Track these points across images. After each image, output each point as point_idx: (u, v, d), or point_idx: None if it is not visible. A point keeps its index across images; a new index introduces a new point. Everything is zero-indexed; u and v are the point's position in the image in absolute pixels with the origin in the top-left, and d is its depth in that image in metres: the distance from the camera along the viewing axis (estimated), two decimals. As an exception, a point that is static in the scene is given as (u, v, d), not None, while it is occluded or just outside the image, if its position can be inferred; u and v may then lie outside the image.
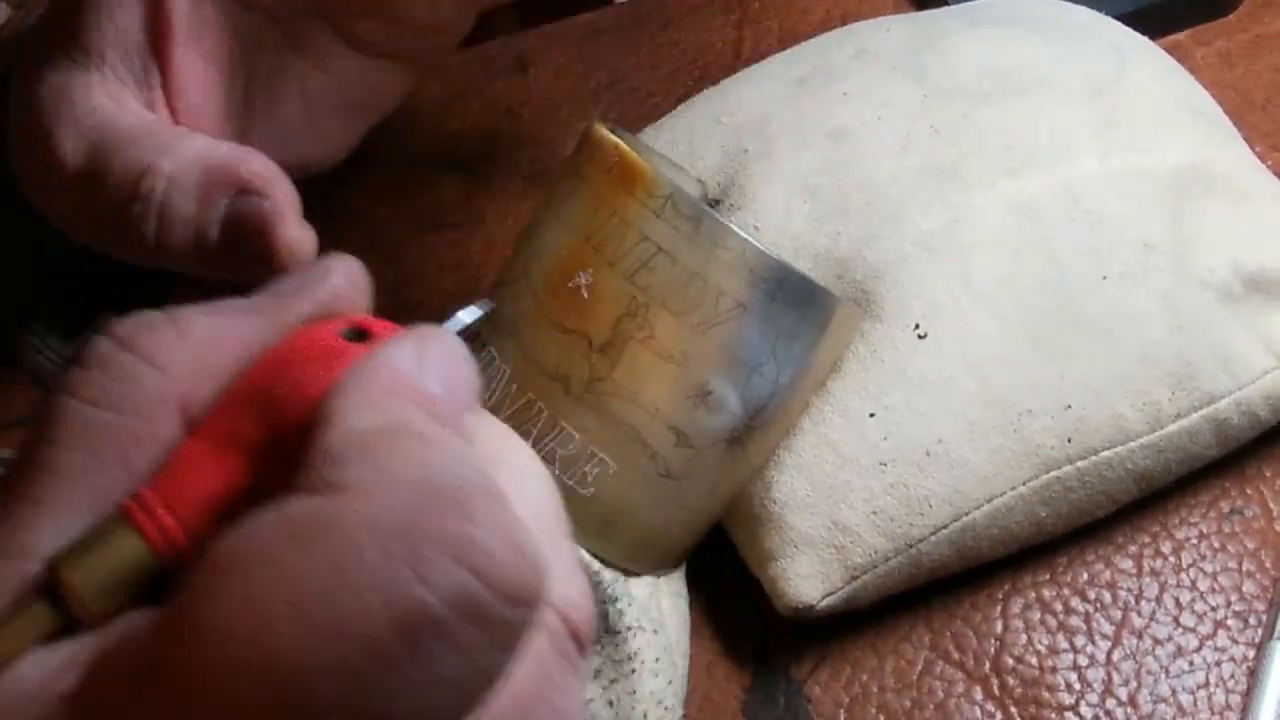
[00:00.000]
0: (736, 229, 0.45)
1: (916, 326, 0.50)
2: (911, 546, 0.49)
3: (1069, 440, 0.49)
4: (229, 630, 0.25)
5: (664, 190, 0.45)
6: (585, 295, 0.45)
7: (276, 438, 0.30)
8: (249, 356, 0.32)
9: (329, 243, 0.53)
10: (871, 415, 0.49)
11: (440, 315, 0.50)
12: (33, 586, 0.29)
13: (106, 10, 0.48)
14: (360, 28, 0.52)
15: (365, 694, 0.25)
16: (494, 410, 0.47)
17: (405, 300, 0.52)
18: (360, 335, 0.32)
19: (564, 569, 0.31)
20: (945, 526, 0.49)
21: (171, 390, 0.31)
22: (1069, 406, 0.49)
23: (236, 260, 0.43)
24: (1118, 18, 0.60)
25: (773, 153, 0.54)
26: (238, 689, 0.25)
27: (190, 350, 0.31)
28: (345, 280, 0.34)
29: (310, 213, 0.49)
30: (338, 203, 0.55)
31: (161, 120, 0.48)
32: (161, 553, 0.29)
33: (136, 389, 0.31)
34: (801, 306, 0.46)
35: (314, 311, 0.33)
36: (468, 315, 0.38)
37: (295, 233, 0.43)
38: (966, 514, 0.49)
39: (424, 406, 0.29)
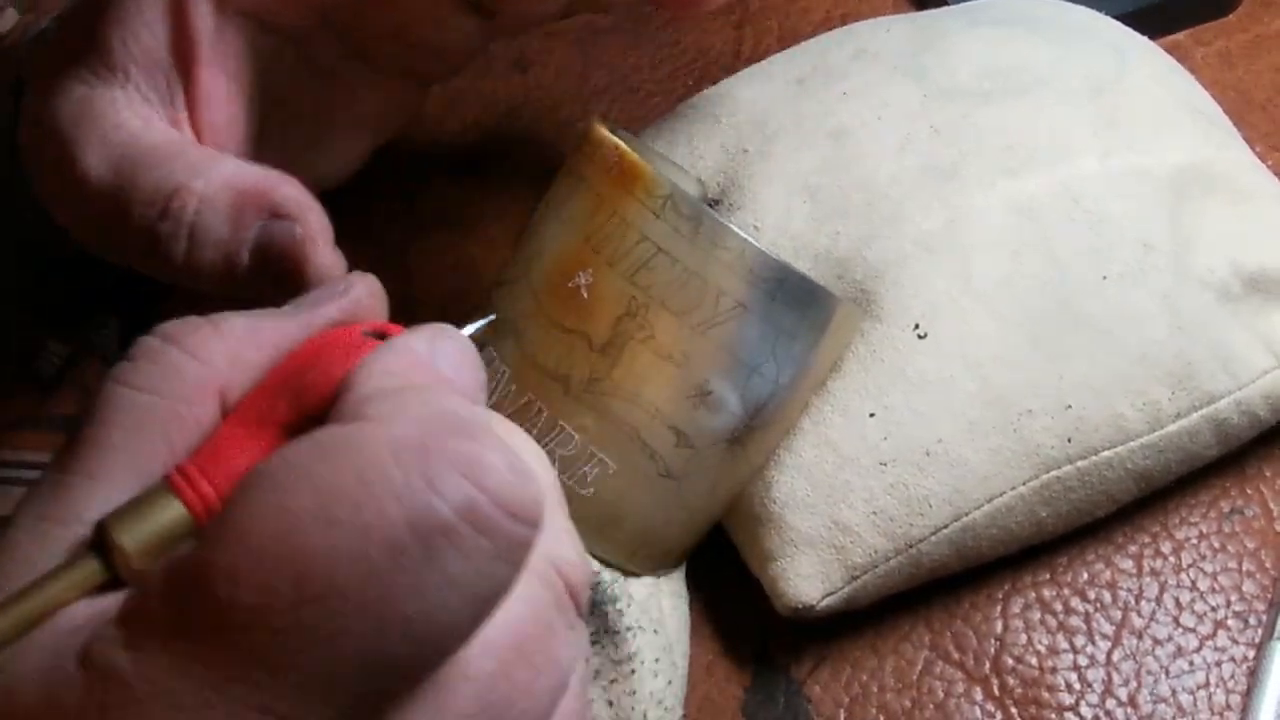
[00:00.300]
0: (736, 229, 0.44)
1: (916, 326, 0.50)
2: (911, 546, 0.49)
3: (1069, 440, 0.49)
4: (262, 531, 0.29)
5: (664, 190, 0.45)
6: (585, 295, 0.45)
7: (305, 419, 0.34)
8: (281, 353, 0.36)
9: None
10: (871, 415, 0.49)
11: (441, 315, 0.50)
12: (84, 544, 0.32)
13: (130, 28, 0.48)
14: (376, 48, 0.53)
15: (384, 590, 0.28)
16: (494, 410, 0.47)
17: (406, 300, 0.52)
18: (381, 336, 0.36)
19: (559, 532, 0.34)
20: (945, 526, 0.49)
21: (210, 379, 0.35)
22: (1069, 406, 0.49)
23: (265, 283, 0.45)
24: (1118, 18, 0.60)
25: (772, 153, 0.54)
26: (270, 584, 0.28)
27: (228, 345, 0.35)
28: (366, 292, 0.39)
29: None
30: (338, 203, 0.55)
31: (189, 140, 0.48)
32: (200, 518, 0.33)
33: (179, 377, 0.35)
34: (801, 306, 0.46)
35: (339, 318, 0.37)
36: (471, 327, 0.39)
37: (327, 259, 0.44)
38: (966, 514, 0.49)
39: (437, 382, 0.34)
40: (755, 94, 0.57)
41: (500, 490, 0.29)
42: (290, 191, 0.45)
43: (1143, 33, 0.60)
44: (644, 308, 0.45)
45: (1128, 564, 0.53)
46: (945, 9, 0.60)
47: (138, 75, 0.48)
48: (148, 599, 0.30)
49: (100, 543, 0.32)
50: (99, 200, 0.48)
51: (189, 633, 0.29)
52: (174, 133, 0.48)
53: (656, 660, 0.47)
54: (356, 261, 0.54)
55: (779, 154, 0.54)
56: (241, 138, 0.51)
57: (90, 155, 0.47)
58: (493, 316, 0.44)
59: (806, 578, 0.49)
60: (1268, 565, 0.53)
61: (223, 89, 0.50)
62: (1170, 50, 0.60)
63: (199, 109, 0.49)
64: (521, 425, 0.46)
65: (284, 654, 0.28)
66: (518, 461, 0.30)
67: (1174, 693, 0.51)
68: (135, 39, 0.48)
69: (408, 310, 0.50)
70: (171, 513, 0.32)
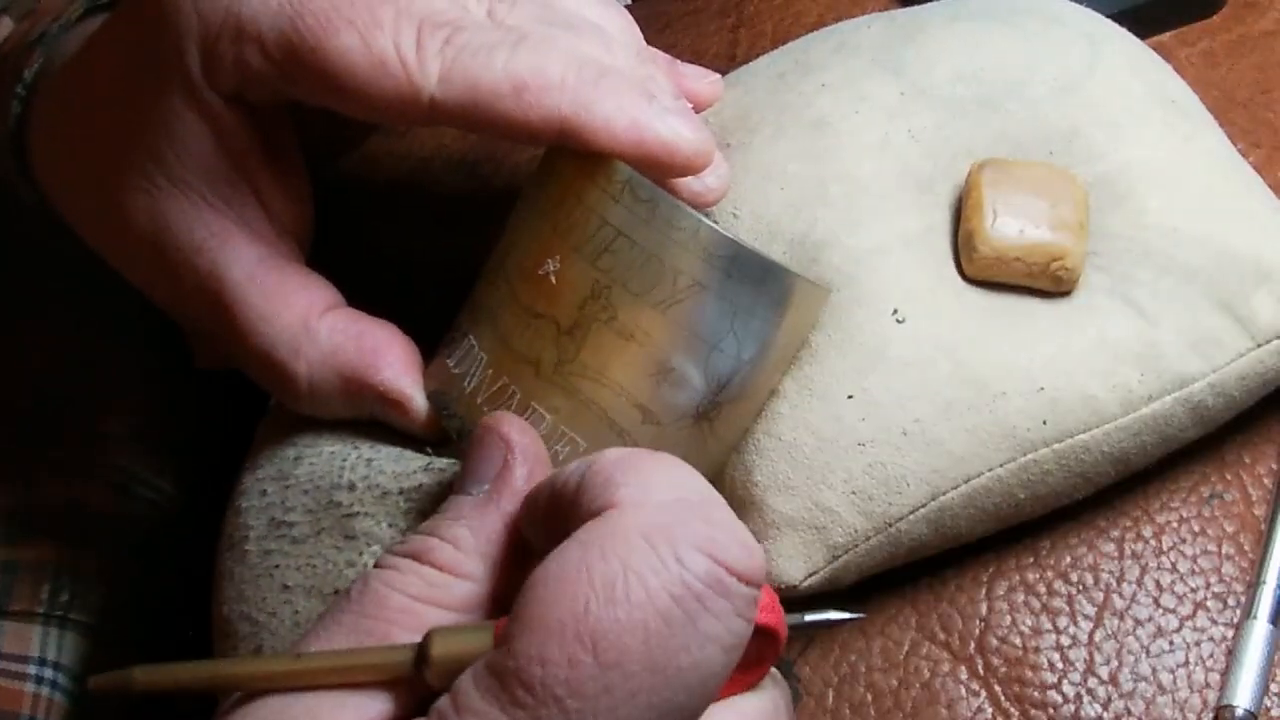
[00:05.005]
0: (690, 209, 0.46)
1: (895, 312, 0.51)
2: (890, 525, 0.51)
3: (1044, 422, 0.51)
4: (557, 617, 0.34)
5: (622, 176, 0.46)
6: (554, 281, 0.47)
7: None
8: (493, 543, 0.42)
9: (329, 243, 0.55)
10: (850, 397, 0.50)
11: (440, 314, 0.52)
12: (405, 646, 0.39)
13: (177, 136, 0.50)
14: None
15: (663, 650, 0.34)
16: (472, 395, 0.48)
17: (405, 300, 0.54)
18: None
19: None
20: (923, 506, 0.50)
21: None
22: (1041, 388, 0.51)
23: None
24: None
25: (752, 144, 0.56)
26: (575, 658, 0.34)
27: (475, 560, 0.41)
28: (531, 456, 0.43)
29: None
30: (337, 203, 0.56)
31: (266, 280, 0.50)
32: (496, 641, 0.37)
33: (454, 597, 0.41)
34: (757, 283, 0.47)
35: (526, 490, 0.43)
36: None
37: (423, 420, 0.50)
38: (944, 493, 0.51)
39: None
40: (738, 92, 0.58)
41: (734, 563, 0.35)
42: (388, 376, 0.49)
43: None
44: (607, 290, 0.46)
45: (1109, 547, 0.55)
46: (927, 5, 0.61)
47: (201, 186, 0.50)
48: (464, 698, 0.35)
49: (421, 651, 0.38)
50: (185, 317, 0.53)
51: (513, 715, 0.34)
52: (253, 268, 0.50)
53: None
54: (355, 261, 0.56)
55: (758, 145, 0.56)
56: (306, 231, 0.53)
57: (182, 278, 0.51)
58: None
59: (789, 558, 0.51)
60: (1246, 548, 0.54)
61: (281, 187, 0.52)
62: (1155, 50, 0.61)
63: (270, 213, 0.52)
64: (496, 407, 0.47)
65: (596, 715, 0.34)
66: (742, 534, 0.36)
67: (1154, 671, 0.52)
68: (186, 149, 0.50)
69: (407, 310, 0.52)
70: (479, 641, 0.37)
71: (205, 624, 0.52)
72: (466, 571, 0.41)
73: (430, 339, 0.52)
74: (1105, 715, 0.51)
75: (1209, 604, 0.53)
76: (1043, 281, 0.52)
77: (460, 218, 0.66)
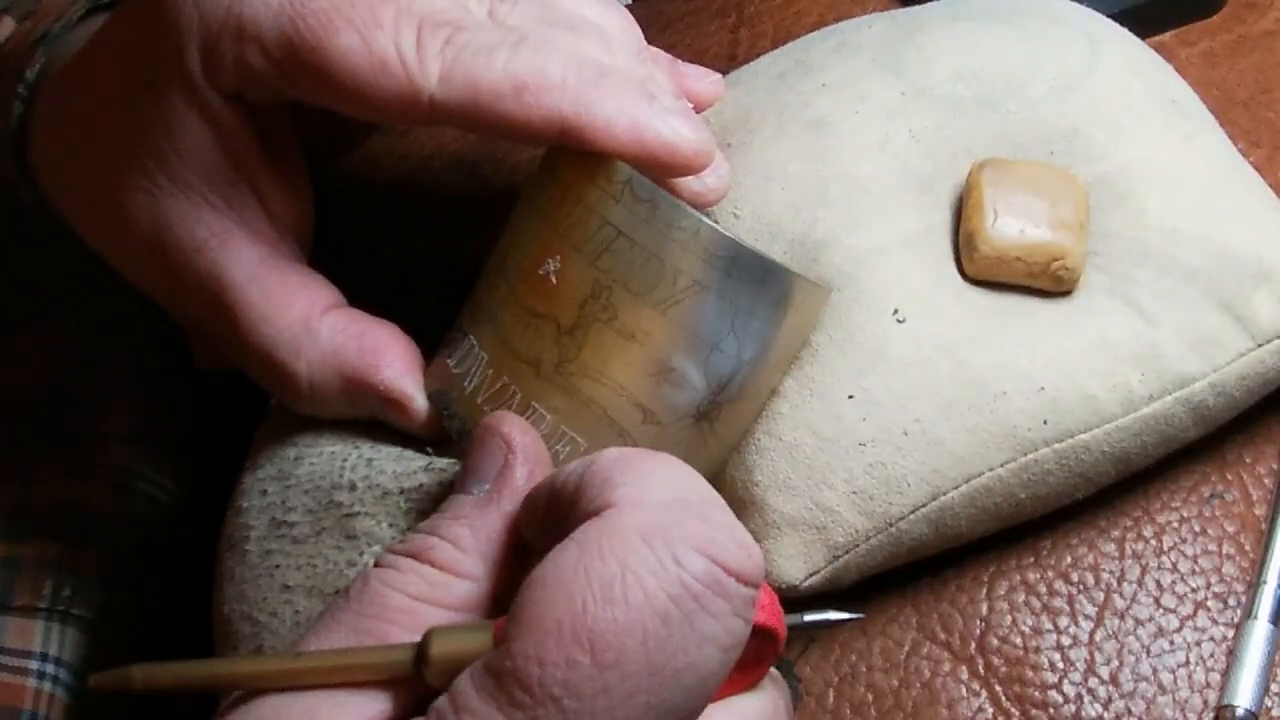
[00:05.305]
0: (691, 209, 0.46)
1: (896, 312, 0.51)
2: (891, 525, 0.51)
3: (1045, 422, 0.51)
4: (555, 617, 0.34)
5: (623, 175, 0.46)
6: (554, 281, 0.47)
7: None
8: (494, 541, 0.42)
9: (329, 243, 0.55)
10: (850, 397, 0.50)
11: (440, 315, 0.52)
12: (405, 645, 0.39)
13: (179, 136, 0.50)
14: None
15: (661, 650, 0.34)
16: (472, 395, 0.48)
17: (406, 301, 0.54)
18: None
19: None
20: (923, 505, 0.50)
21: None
22: (1042, 388, 0.51)
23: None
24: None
25: (753, 144, 0.56)
26: (573, 658, 0.34)
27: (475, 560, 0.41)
28: (532, 455, 0.43)
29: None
30: (337, 203, 0.56)
31: (267, 281, 0.50)
32: (496, 641, 0.37)
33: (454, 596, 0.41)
34: (757, 283, 0.47)
35: (526, 489, 0.43)
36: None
37: (423, 420, 0.50)
38: (944, 493, 0.51)
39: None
40: (739, 92, 0.58)
41: (731, 563, 0.35)
42: (388, 377, 0.49)
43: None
44: (607, 290, 0.46)
45: (1110, 547, 0.55)
46: (927, 5, 0.62)
47: (201, 185, 0.50)
48: (463, 698, 0.35)
49: (420, 651, 0.38)
50: (185, 317, 0.53)
51: (510, 716, 0.34)
52: (253, 268, 0.50)
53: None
54: (355, 262, 0.56)
55: (758, 145, 0.56)
56: (306, 231, 0.53)
57: (183, 278, 0.51)
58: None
59: (790, 558, 0.51)
60: (1247, 548, 0.54)
61: (282, 187, 0.52)
62: (1155, 50, 0.61)
63: (270, 213, 0.52)
64: (497, 408, 0.47)
65: (593, 716, 0.34)
66: (740, 534, 0.36)
67: (1155, 671, 0.52)
68: (187, 149, 0.50)
69: (407, 310, 0.52)
70: (478, 641, 0.37)
71: (205, 624, 0.52)
72: (466, 571, 0.41)
73: (430, 339, 0.52)
74: (1106, 715, 0.51)
75: (1209, 604, 0.53)
76: (1043, 281, 0.52)
77: (460, 218, 0.66)
